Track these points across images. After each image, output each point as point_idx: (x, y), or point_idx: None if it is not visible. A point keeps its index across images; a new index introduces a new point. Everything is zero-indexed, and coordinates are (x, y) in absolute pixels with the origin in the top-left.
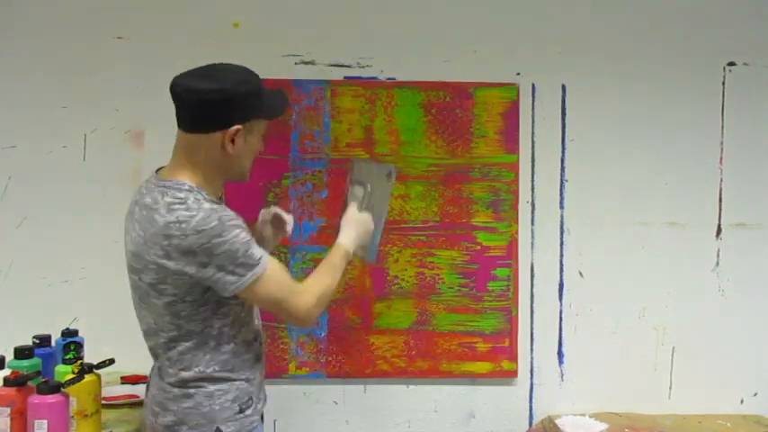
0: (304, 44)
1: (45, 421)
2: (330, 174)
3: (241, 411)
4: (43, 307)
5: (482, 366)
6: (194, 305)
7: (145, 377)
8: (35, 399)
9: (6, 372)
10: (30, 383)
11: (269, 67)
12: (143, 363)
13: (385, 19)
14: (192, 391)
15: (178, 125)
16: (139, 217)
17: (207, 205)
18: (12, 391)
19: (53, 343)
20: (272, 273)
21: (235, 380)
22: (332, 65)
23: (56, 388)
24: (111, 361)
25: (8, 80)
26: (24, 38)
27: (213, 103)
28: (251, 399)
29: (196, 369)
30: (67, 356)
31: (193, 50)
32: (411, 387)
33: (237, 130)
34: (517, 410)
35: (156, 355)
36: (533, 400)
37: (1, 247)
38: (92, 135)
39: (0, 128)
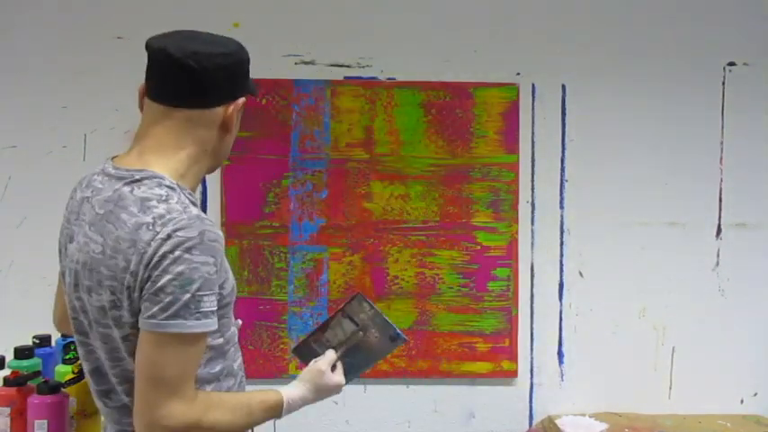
0: (304, 44)
1: (45, 421)
2: (330, 174)
3: None
4: (43, 307)
5: (482, 366)
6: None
7: None
8: (35, 399)
9: (6, 372)
10: (30, 383)
11: (269, 67)
12: None
13: (385, 19)
14: None
15: (164, 100)
16: (92, 219)
17: (194, 211)
18: (12, 391)
19: (53, 343)
20: (186, 348)
21: None
22: (332, 65)
23: (56, 388)
24: None
25: (8, 80)
26: (24, 38)
27: (228, 69)
28: None
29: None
30: (67, 356)
31: None
32: (411, 387)
33: (243, 104)
34: (517, 410)
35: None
36: (533, 400)
37: (1, 247)
38: (92, 135)
39: (0, 128)
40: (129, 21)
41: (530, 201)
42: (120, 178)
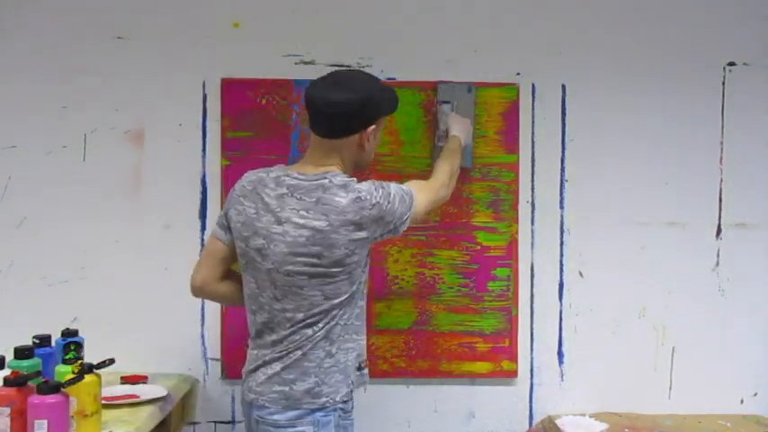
0: (304, 44)
1: (45, 421)
2: None
3: (360, 368)
4: (43, 307)
5: (482, 366)
6: (364, 267)
7: (145, 377)
8: (35, 399)
9: (6, 372)
10: (30, 383)
11: (269, 67)
12: (143, 363)
13: (385, 19)
14: (334, 350)
15: (316, 131)
16: (304, 205)
17: (366, 184)
18: (12, 391)
19: (53, 343)
20: (415, 193)
21: (360, 339)
22: (332, 65)
23: (56, 388)
24: (112, 361)
25: (8, 80)
26: (24, 38)
27: (353, 112)
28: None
29: (342, 325)
30: (67, 356)
31: (193, 50)
32: (411, 387)
33: (373, 129)
34: (517, 410)
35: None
36: (533, 400)
37: (1, 247)
38: (92, 135)
39: (0, 128)
40: (129, 21)
41: (530, 201)
42: (313, 180)
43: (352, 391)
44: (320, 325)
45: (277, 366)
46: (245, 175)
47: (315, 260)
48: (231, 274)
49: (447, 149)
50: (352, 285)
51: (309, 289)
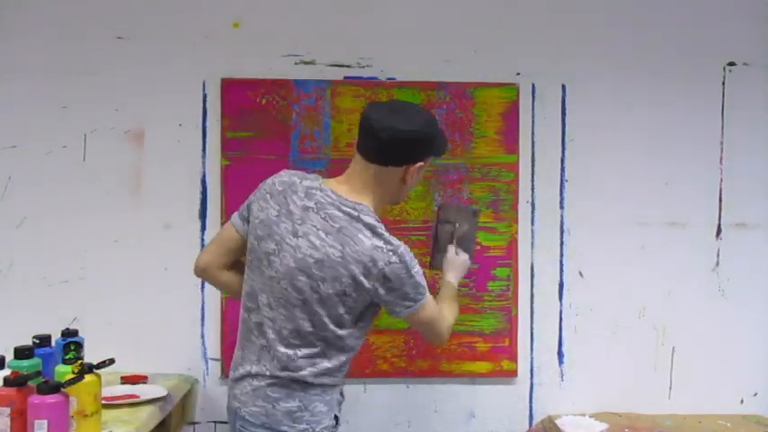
0: (304, 44)
1: (45, 421)
2: (330, 174)
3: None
4: (43, 307)
5: (482, 366)
6: (355, 318)
7: (145, 377)
8: (35, 399)
9: (6, 372)
10: (30, 383)
11: (269, 67)
12: (143, 363)
13: (385, 19)
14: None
15: (363, 154)
16: (325, 227)
17: (395, 240)
18: (12, 391)
19: (53, 343)
20: (429, 299)
21: (338, 385)
22: (332, 65)
23: (56, 388)
24: (112, 361)
25: (8, 80)
26: (24, 38)
27: (409, 143)
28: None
29: (324, 367)
30: (67, 356)
31: (193, 50)
32: (411, 387)
33: (420, 166)
34: (517, 410)
35: (281, 355)
36: (533, 400)
37: (1, 247)
38: (92, 135)
39: (0, 128)
40: (129, 21)
41: (530, 201)
42: (342, 203)
43: (335, 426)
44: (304, 351)
45: (263, 381)
46: (280, 173)
47: (315, 284)
48: (238, 264)
49: (448, 296)
50: (339, 328)
51: (300, 311)
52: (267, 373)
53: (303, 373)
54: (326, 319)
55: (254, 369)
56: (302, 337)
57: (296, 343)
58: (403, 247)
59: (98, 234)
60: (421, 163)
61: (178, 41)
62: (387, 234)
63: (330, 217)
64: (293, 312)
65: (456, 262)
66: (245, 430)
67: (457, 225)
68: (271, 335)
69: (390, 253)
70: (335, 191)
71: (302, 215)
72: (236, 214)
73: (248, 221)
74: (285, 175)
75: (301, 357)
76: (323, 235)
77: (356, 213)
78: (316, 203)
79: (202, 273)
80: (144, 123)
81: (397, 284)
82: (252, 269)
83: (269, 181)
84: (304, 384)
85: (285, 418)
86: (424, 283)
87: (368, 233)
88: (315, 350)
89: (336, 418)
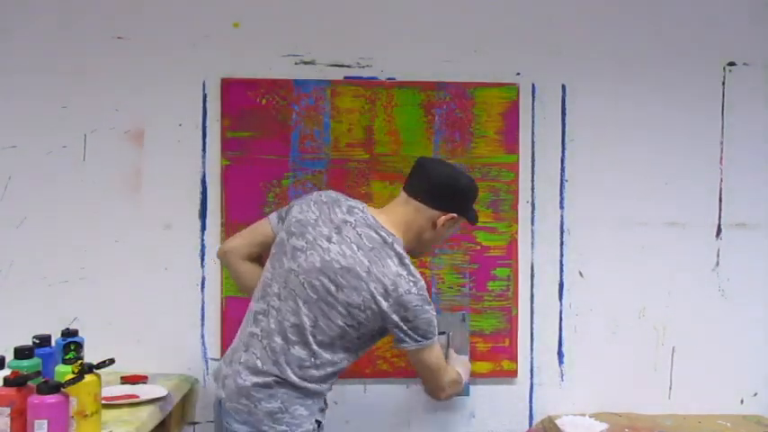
0: (304, 44)
1: (45, 421)
2: (330, 174)
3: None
4: (43, 307)
5: (482, 366)
6: (362, 339)
7: (145, 377)
8: (35, 399)
9: (6, 372)
10: (30, 383)
11: (269, 67)
12: (143, 363)
13: (385, 19)
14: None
15: (408, 190)
16: (359, 243)
17: (419, 275)
18: (12, 391)
19: (53, 343)
20: (436, 346)
21: (321, 393)
22: (332, 65)
23: (56, 388)
24: (112, 361)
25: (8, 80)
26: (24, 38)
27: (453, 188)
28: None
29: (310, 375)
30: (67, 356)
31: (193, 50)
32: (411, 387)
33: (453, 218)
34: (517, 410)
35: (278, 349)
36: (533, 400)
37: (1, 247)
38: (92, 135)
39: (0, 128)
40: (129, 21)
41: (530, 201)
42: (378, 228)
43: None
44: (297, 349)
45: (248, 380)
46: (327, 191)
47: (333, 288)
48: (258, 260)
49: (455, 371)
50: (337, 340)
51: (307, 308)
52: (254, 364)
53: (288, 373)
54: (330, 324)
55: (243, 357)
56: (300, 335)
57: (293, 339)
58: (423, 283)
59: (98, 234)
60: (455, 215)
61: (178, 41)
62: (412, 267)
63: (365, 236)
64: (300, 307)
65: (459, 361)
66: (227, 424)
67: (450, 334)
68: (272, 324)
69: (412, 283)
70: (375, 217)
71: (340, 226)
72: (274, 213)
73: (284, 221)
74: (333, 194)
75: (293, 356)
76: (355, 248)
77: (390, 240)
78: (355, 220)
79: (224, 255)
80: (144, 123)
81: (411, 315)
82: (273, 260)
83: (316, 192)
84: (287, 386)
85: (266, 417)
86: (436, 324)
87: (396, 260)
88: (306, 353)
89: (319, 422)
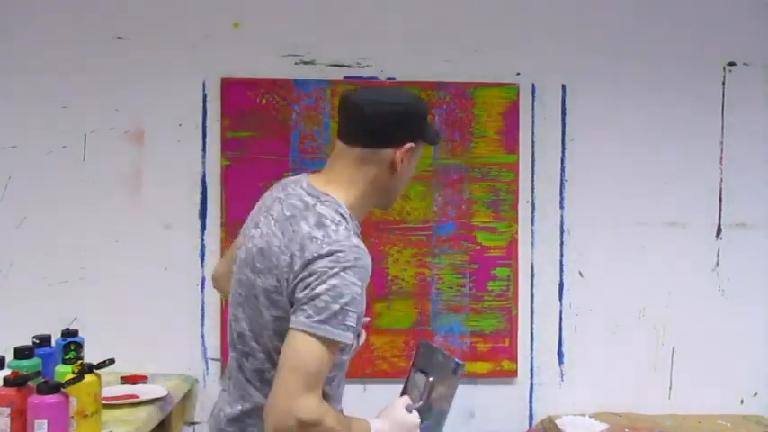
0: (304, 44)
1: (45, 421)
2: None
3: None
4: (43, 307)
5: (482, 366)
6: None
7: (145, 377)
8: (35, 399)
9: (6, 372)
10: (30, 383)
11: (269, 67)
12: (143, 363)
13: (385, 19)
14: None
15: (345, 139)
16: (278, 216)
17: (354, 240)
18: (12, 391)
19: (53, 343)
20: (325, 351)
21: None
22: (332, 65)
23: (56, 388)
24: (112, 361)
25: (8, 80)
26: (24, 38)
27: (396, 116)
28: None
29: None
30: (67, 356)
31: (193, 50)
32: None
33: (411, 148)
34: (517, 410)
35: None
36: (533, 400)
37: (1, 247)
38: (92, 135)
39: (0, 128)
40: (129, 21)
41: (530, 201)
42: (309, 192)
43: None
44: (252, 360)
45: (237, 407)
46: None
47: (252, 277)
48: None
49: (348, 423)
50: (277, 341)
51: (242, 312)
52: (237, 394)
53: (251, 391)
54: (262, 321)
55: (228, 396)
56: (245, 344)
57: (243, 350)
58: (351, 252)
59: (98, 234)
60: (411, 144)
61: (178, 41)
62: (338, 229)
63: (287, 206)
64: (238, 314)
65: (400, 420)
66: None
67: (432, 378)
68: (228, 339)
69: (326, 245)
70: (311, 183)
71: (270, 206)
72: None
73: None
74: (287, 179)
75: (249, 370)
76: (272, 224)
77: (313, 203)
78: (286, 195)
79: (216, 282)
80: (144, 123)
81: (315, 281)
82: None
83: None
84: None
85: None
86: (350, 315)
87: (312, 221)
88: (258, 361)
89: None
